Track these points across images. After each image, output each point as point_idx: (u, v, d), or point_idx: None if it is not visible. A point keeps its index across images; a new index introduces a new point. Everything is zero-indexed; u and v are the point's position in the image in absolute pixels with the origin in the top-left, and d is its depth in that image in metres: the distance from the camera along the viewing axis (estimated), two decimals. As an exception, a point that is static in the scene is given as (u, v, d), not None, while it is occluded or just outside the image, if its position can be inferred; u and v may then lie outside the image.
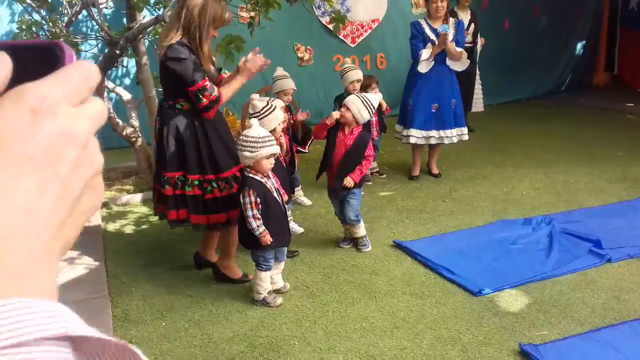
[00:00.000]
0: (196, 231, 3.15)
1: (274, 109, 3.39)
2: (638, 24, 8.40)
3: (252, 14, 4.06)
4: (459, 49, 4.62)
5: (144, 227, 4.08)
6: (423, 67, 4.66)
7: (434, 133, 4.78)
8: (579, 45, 8.96)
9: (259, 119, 3.36)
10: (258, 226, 2.77)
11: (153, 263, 3.51)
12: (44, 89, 0.34)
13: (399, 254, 3.54)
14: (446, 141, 4.85)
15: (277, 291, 3.05)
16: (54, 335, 0.30)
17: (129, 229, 4.07)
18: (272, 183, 2.88)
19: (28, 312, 0.30)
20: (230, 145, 3.02)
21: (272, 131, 3.38)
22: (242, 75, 3.02)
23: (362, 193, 3.61)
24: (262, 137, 2.76)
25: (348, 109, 3.37)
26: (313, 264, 3.42)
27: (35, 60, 0.36)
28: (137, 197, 4.55)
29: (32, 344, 0.29)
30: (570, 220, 3.93)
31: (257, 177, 2.81)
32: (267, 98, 3.53)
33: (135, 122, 4.78)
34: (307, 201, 4.40)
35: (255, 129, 2.79)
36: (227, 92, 2.97)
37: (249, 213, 2.76)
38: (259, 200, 2.77)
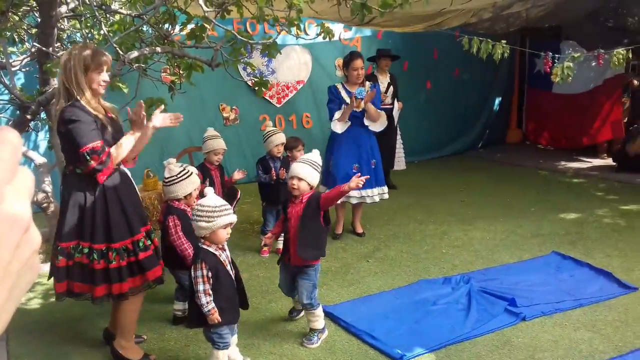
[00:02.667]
0: (78, 300, 2.91)
1: (190, 174, 3.35)
2: (542, 85, 9.06)
3: (174, 78, 4.06)
4: (380, 111, 4.79)
5: (52, 300, 3.82)
6: (338, 128, 4.79)
7: (355, 193, 4.85)
8: (495, 103, 9.54)
9: (174, 183, 3.30)
10: (207, 302, 2.60)
11: (62, 340, 3.28)
12: None
13: (322, 320, 3.48)
14: (368, 200, 4.93)
15: None
16: None
17: (35, 303, 3.80)
18: (226, 256, 2.74)
19: None
20: (131, 216, 2.81)
21: (188, 196, 3.33)
22: (134, 128, 2.83)
23: (318, 275, 3.27)
24: (219, 206, 2.60)
25: (301, 179, 3.10)
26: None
27: None
28: (46, 268, 4.26)
29: None
30: (487, 279, 4.04)
31: (211, 249, 2.66)
32: (183, 164, 3.48)
33: (48, 188, 4.56)
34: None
35: (211, 198, 2.63)
36: (118, 150, 2.74)
37: (200, 287, 2.60)
38: (210, 274, 2.62)
